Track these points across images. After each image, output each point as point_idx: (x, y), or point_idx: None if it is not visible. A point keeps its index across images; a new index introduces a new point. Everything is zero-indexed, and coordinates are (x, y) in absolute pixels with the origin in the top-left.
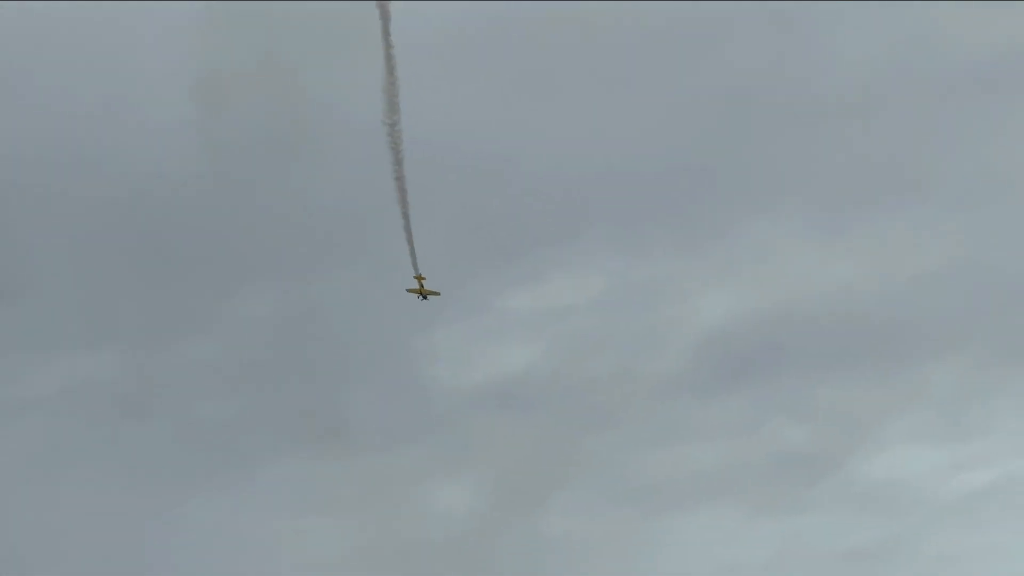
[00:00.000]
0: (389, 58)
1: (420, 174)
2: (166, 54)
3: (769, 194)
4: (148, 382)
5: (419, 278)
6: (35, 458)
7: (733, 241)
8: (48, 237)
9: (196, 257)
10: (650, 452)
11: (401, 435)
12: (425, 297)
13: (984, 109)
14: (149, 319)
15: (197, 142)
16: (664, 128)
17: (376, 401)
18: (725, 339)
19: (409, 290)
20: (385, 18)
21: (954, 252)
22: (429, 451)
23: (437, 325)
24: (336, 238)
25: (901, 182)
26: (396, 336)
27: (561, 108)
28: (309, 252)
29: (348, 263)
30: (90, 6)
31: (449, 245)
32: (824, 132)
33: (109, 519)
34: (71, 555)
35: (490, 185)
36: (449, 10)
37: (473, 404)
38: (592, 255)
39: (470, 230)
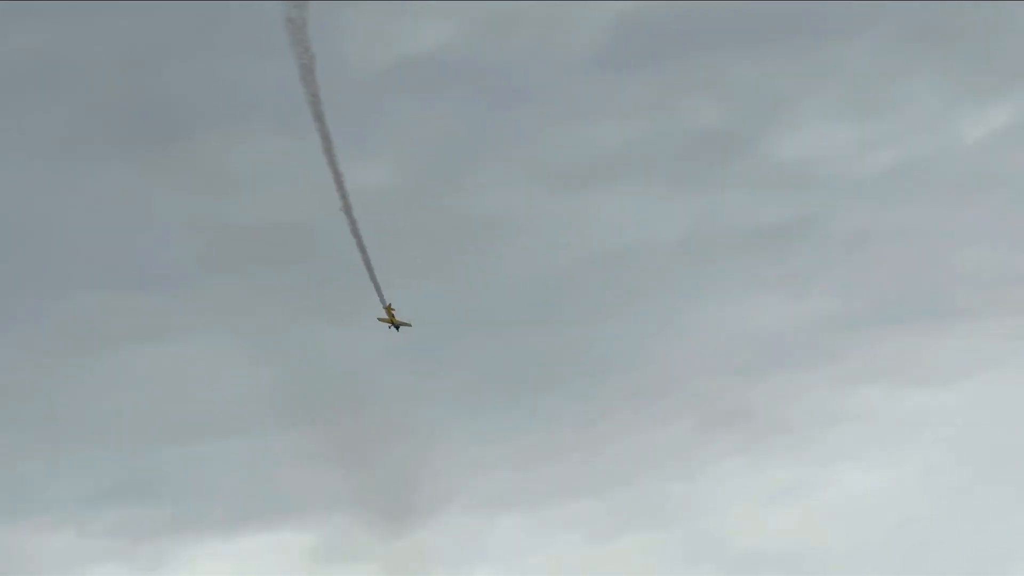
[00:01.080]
0: None
1: None
2: None
3: None
4: (57, 60)
5: (389, 308)
6: None
7: None
8: None
9: None
10: (564, 130)
11: (309, 116)
12: (397, 328)
13: None
14: None
15: None
16: None
17: (283, 79)
18: (639, 15)
19: (380, 319)
20: None
21: None
22: (339, 132)
23: (346, 2)
24: None
25: None
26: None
27: None
28: None
29: None
30: None
31: None
32: None
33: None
34: None
35: None
36: None
37: (384, 84)
38: None
39: None
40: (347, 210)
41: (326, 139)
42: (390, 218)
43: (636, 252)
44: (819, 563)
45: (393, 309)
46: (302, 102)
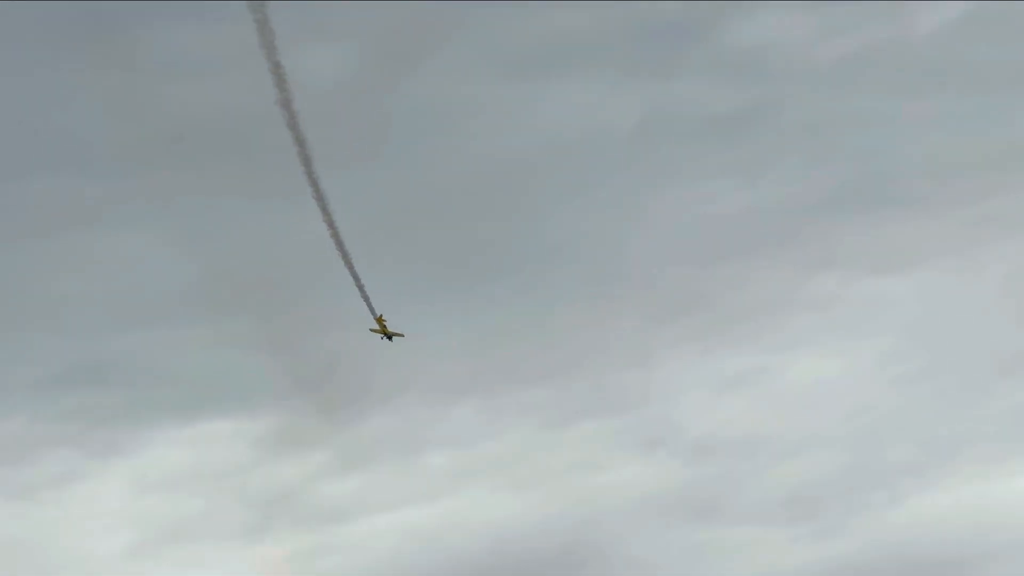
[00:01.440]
0: None
1: None
2: None
3: None
4: None
5: (380, 319)
6: None
7: None
8: None
9: None
10: (517, 17)
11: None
12: (390, 338)
13: None
14: None
15: None
16: None
17: None
18: None
19: (372, 330)
20: None
21: None
22: (287, 20)
23: None
24: None
25: None
26: None
27: None
28: None
29: None
30: None
31: None
32: None
33: None
34: None
35: None
36: None
37: None
38: None
39: None
40: (285, 104)
41: (265, 29)
42: (339, 106)
43: (590, 139)
44: (774, 450)
45: (385, 320)
46: None
